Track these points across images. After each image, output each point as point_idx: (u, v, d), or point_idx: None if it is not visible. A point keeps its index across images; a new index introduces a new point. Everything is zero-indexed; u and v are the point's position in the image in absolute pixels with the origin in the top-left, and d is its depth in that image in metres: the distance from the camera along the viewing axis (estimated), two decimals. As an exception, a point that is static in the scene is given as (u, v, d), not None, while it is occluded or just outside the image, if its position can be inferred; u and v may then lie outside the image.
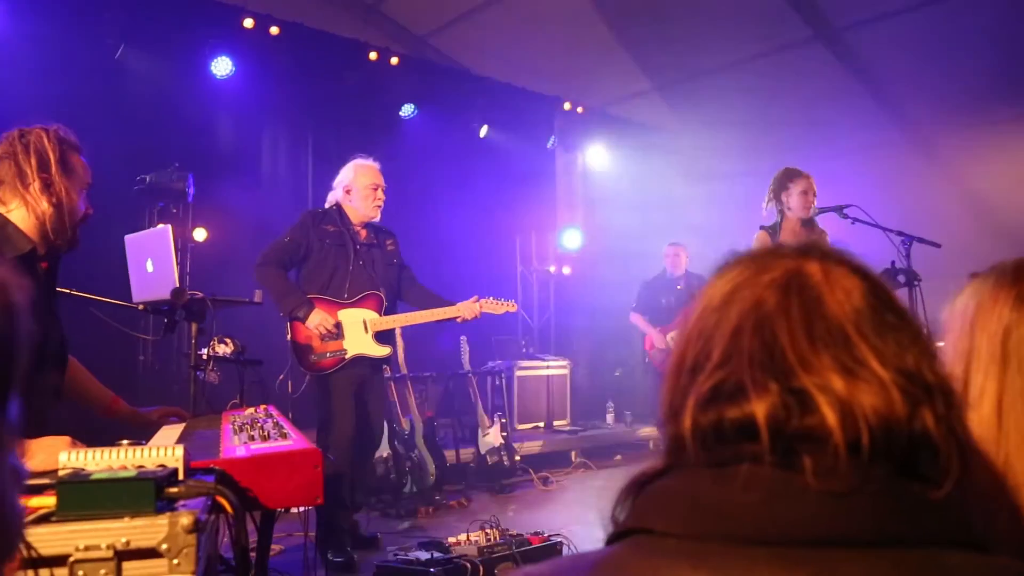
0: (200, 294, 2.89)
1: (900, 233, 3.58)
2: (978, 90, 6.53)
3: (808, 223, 3.98)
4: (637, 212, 8.53)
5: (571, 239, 8.10)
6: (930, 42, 6.15)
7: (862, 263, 0.67)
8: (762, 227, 4.06)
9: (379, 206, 4.01)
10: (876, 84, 6.88)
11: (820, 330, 0.60)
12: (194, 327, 2.93)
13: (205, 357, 3.12)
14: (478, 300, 3.98)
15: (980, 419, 0.75)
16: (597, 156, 8.50)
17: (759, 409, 0.59)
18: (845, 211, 3.76)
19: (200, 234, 5.95)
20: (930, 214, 6.25)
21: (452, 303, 3.99)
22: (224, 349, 3.17)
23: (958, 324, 0.83)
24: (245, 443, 1.60)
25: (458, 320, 3.97)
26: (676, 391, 0.65)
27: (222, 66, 6.19)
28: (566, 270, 8.24)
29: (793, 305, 0.61)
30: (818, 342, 0.60)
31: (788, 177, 4.04)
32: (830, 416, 0.58)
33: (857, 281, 0.64)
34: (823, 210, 3.88)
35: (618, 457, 6.77)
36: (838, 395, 0.58)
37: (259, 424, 1.89)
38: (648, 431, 7.16)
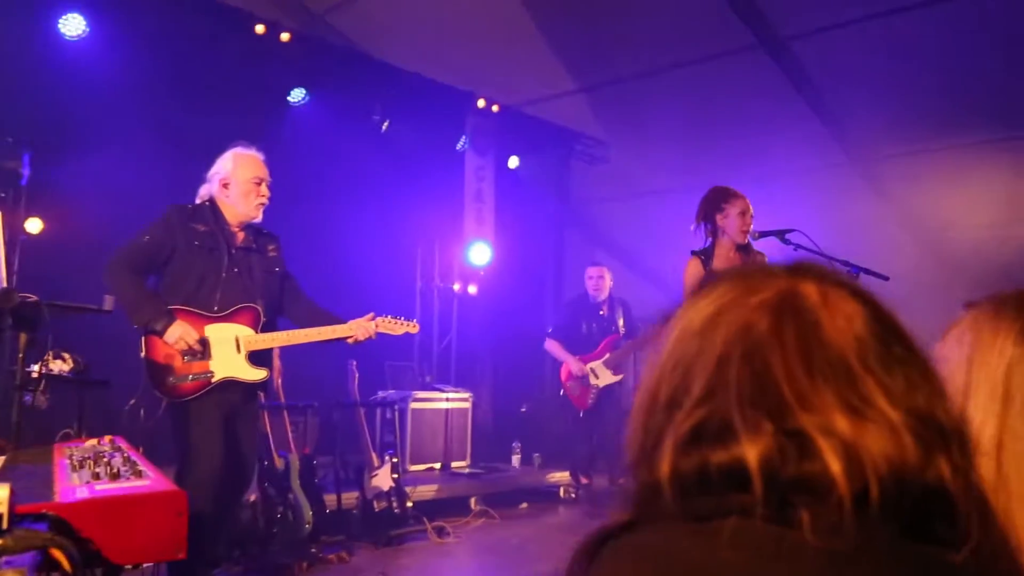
0: (33, 297, 2.71)
1: (847, 263, 3.66)
2: (926, 114, 6.71)
3: (744, 248, 4.04)
4: (555, 227, 8.67)
5: (479, 254, 8.02)
6: (879, 60, 6.28)
7: (863, 286, 0.66)
8: (693, 252, 4.11)
9: (262, 204, 3.88)
10: (821, 101, 7.04)
11: (819, 361, 0.58)
12: (23, 338, 2.75)
13: (35, 375, 2.92)
14: (374, 318, 3.89)
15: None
16: (513, 162, 8.48)
17: (751, 453, 0.56)
18: (787, 236, 3.81)
19: (35, 225, 5.62)
20: (873, 241, 6.41)
21: (343, 321, 3.89)
22: (60, 366, 2.98)
23: (954, 358, 0.83)
24: (88, 482, 1.48)
25: (349, 341, 3.87)
26: (649, 431, 0.61)
27: (73, 24, 5.89)
28: (472, 289, 8.16)
29: (787, 331, 0.59)
30: (818, 375, 0.58)
31: (723, 197, 4.10)
32: (834, 463, 0.56)
33: (858, 306, 0.62)
34: (764, 234, 3.92)
35: (524, 505, 6.69)
36: (843, 438, 0.56)
37: (105, 459, 1.76)
38: (559, 476, 7.05)
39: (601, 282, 6.75)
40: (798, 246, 3.79)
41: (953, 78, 6.38)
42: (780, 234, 3.82)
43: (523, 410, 7.98)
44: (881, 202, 7.33)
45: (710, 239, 4.07)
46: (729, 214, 4.03)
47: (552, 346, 6.60)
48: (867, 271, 3.50)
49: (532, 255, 8.62)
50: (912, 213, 7.30)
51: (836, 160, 7.33)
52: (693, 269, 4.02)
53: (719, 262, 4.01)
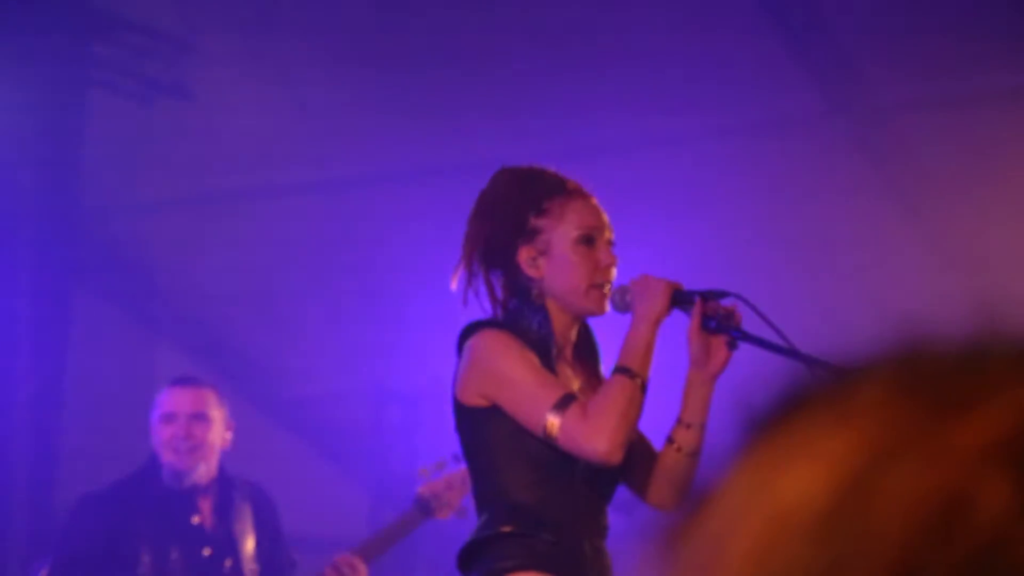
0: None
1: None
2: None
3: (584, 345, 2.32)
4: (39, 267, 3.83)
5: None
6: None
7: None
8: (485, 324, 2.28)
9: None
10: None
11: None
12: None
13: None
14: None
15: None
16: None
17: None
18: (712, 313, 2.20)
19: None
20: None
21: None
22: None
23: None
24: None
25: None
26: None
27: None
28: None
29: None
30: None
31: (536, 194, 2.27)
32: None
33: None
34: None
35: None
36: None
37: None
38: None
39: (199, 431, 3.32)
40: (737, 336, 2.17)
41: None
42: (703, 302, 2.20)
43: None
44: (904, 205, 4.06)
45: (507, 304, 2.26)
46: (555, 239, 2.23)
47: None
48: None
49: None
50: (959, 231, 4.08)
51: (807, 109, 3.90)
52: (502, 345, 2.13)
53: (561, 369, 2.30)
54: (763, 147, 3.82)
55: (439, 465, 3.24)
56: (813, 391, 0.36)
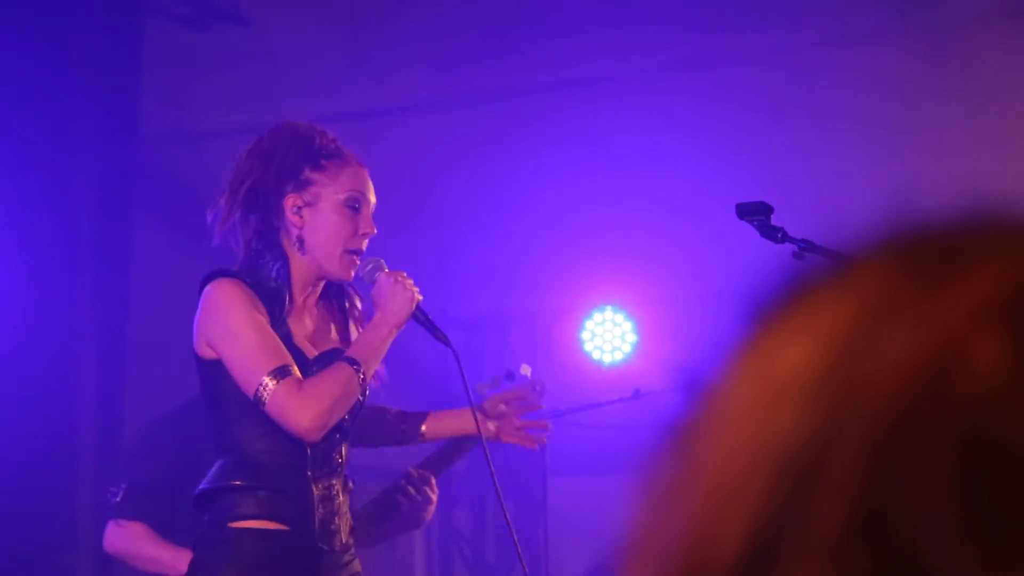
0: None
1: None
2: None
3: (333, 298, 2.39)
4: (101, 201, 3.66)
5: None
6: None
7: None
8: (220, 273, 2.27)
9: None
10: None
11: None
12: None
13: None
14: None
15: None
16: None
17: None
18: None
19: None
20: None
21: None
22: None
23: None
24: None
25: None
26: None
27: None
28: None
29: None
30: None
31: (315, 151, 2.32)
32: None
33: None
34: None
35: None
36: None
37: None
38: None
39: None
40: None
41: None
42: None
43: None
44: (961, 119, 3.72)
45: (253, 245, 2.28)
46: (324, 195, 2.29)
47: (127, 538, 3.01)
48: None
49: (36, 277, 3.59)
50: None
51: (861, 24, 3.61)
52: (230, 300, 2.17)
53: (296, 320, 2.30)
54: (830, 63, 3.67)
55: (494, 382, 3.25)
56: (812, 278, 0.35)
